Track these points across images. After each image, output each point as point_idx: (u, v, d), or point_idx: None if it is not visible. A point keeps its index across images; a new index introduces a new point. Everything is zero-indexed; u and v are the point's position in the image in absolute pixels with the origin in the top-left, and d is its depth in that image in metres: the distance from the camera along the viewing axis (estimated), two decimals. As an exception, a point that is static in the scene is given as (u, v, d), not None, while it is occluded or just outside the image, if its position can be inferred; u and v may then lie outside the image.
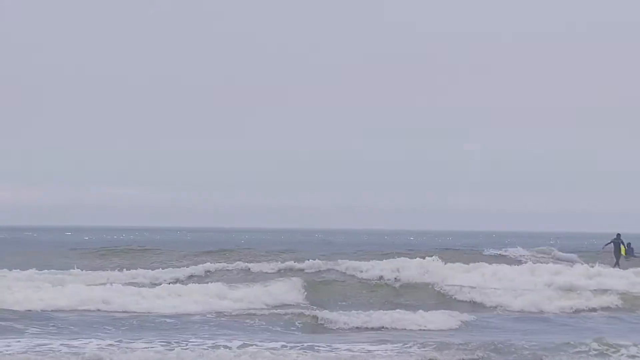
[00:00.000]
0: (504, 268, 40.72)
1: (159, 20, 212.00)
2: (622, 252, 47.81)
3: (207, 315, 28.26)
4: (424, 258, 40.33)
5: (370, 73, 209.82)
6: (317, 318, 26.98)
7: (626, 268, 47.21)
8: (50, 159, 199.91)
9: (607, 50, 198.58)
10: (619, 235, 48.11)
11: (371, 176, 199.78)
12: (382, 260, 40.63)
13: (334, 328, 26.27)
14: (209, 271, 38.82)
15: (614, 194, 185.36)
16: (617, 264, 47.95)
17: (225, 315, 28.25)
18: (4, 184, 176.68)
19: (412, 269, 38.44)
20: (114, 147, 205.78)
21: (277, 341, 22.62)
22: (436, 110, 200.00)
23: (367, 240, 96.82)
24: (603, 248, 48.91)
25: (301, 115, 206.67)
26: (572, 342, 22.27)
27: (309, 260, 40.33)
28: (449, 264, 40.18)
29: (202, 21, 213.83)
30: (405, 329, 26.24)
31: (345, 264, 39.71)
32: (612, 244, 48.23)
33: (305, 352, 21.21)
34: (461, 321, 27.50)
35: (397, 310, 28.87)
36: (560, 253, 50.34)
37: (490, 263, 42.11)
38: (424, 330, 26.20)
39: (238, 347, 21.39)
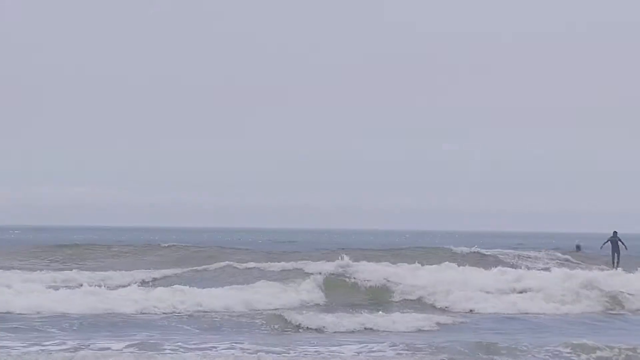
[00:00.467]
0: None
1: (159, 20, 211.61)
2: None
3: (172, 316, 27.78)
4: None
5: (370, 73, 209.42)
6: (287, 320, 26.32)
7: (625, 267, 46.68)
8: (50, 159, 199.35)
9: (607, 50, 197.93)
10: (615, 233, 47.31)
11: (371, 176, 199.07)
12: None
13: (304, 330, 25.64)
14: (177, 273, 38.28)
15: (614, 194, 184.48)
16: (615, 263, 47.16)
17: (191, 316, 27.77)
18: (4, 184, 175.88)
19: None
20: (114, 147, 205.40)
21: (241, 343, 22.13)
22: (436, 110, 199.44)
23: (341, 240, 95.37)
24: (602, 247, 48.03)
25: (301, 115, 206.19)
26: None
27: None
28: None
29: (202, 21, 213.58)
30: (379, 331, 25.70)
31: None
32: (609, 242, 47.42)
33: (269, 354, 20.67)
34: (436, 323, 26.96)
35: (364, 312, 28.42)
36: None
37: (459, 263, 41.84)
38: (396, 332, 25.52)
39: (169, 350, 20.94)
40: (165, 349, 20.89)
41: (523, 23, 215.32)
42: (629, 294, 34.62)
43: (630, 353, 21.00)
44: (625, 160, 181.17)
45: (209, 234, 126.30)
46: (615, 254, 47.25)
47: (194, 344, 21.77)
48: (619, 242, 47.13)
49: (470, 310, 31.78)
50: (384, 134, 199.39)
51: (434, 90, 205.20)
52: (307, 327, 25.67)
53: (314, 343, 22.44)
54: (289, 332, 25.25)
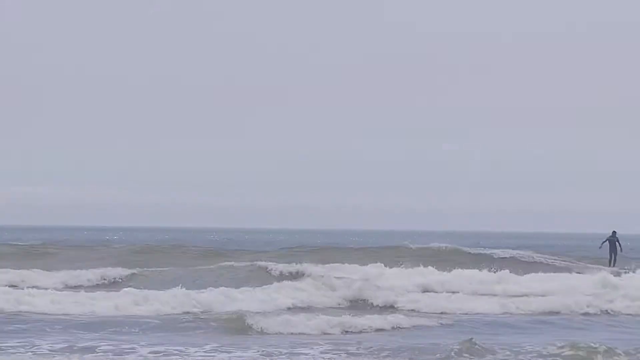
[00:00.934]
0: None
1: (159, 20, 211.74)
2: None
3: (131, 319, 27.29)
4: None
5: (370, 73, 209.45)
6: (244, 321, 25.80)
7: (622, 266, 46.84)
8: (50, 159, 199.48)
9: (607, 50, 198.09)
10: (614, 232, 47.40)
11: (371, 176, 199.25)
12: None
13: (259, 330, 25.29)
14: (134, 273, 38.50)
15: (614, 193, 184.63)
16: (612, 262, 47.33)
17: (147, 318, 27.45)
18: (4, 184, 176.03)
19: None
20: (114, 147, 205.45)
21: (190, 345, 22.07)
22: (436, 110, 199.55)
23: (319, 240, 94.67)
24: (600, 247, 48.14)
25: (301, 115, 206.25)
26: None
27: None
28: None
29: (202, 21, 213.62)
30: (345, 332, 25.55)
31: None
32: (607, 242, 47.55)
33: (212, 355, 20.80)
34: (393, 325, 26.62)
35: (318, 313, 28.11)
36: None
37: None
38: (353, 333, 25.40)
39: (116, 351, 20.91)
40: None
41: (523, 23, 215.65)
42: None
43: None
44: (625, 160, 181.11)
45: (198, 234, 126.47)
46: (613, 254, 47.40)
47: (148, 345, 21.74)
48: (617, 242, 47.29)
49: (442, 312, 31.48)
50: (384, 134, 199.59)
51: (434, 90, 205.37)
52: (266, 329, 25.22)
53: (274, 344, 22.34)
54: (250, 334, 24.79)
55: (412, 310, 31.45)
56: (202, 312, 28.71)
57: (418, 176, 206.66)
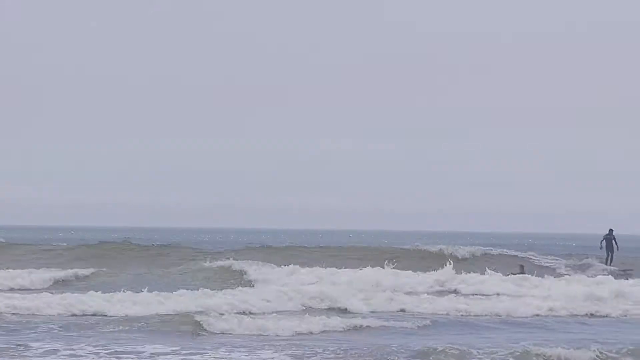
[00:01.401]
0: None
1: (159, 20, 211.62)
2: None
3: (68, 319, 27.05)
4: None
5: (370, 73, 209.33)
6: (201, 323, 25.30)
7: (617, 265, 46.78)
8: (50, 159, 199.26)
9: (606, 50, 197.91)
10: (611, 230, 47.28)
11: (371, 176, 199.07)
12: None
13: (218, 333, 24.89)
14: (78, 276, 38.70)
15: (614, 193, 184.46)
16: (608, 260, 47.28)
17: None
18: (4, 184, 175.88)
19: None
20: (113, 147, 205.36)
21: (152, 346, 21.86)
22: (436, 110, 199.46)
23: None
24: (601, 247, 47.88)
25: (301, 115, 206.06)
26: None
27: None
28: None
29: (202, 21, 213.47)
30: (290, 333, 25.06)
31: None
32: (604, 240, 47.42)
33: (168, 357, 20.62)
34: (347, 326, 26.08)
35: (273, 314, 27.92)
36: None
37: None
38: (304, 334, 25.01)
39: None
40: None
41: (523, 23, 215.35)
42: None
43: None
44: (625, 160, 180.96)
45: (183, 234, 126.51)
46: (609, 252, 47.31)
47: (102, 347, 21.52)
48: (613, 241, 47.17)
49: (402, 310, 31.20)
50: (384, 133, 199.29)
51: (434, 90, 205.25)
52: (214, 330, 24.85)
53: (224, 345, 22.16)
54: (202, 335, 24.39)
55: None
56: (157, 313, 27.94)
57: (418, 176, 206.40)
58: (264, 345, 22.51)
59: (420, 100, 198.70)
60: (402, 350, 21.45)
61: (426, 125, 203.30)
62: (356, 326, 26.25)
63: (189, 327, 24.99)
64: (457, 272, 39.74)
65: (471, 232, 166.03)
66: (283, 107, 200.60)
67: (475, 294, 36.09)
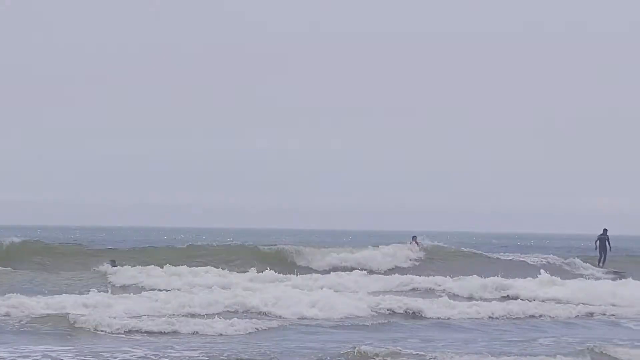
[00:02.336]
0: None
1: (159, 19, 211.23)
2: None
3: None
4: None
5: (371, 73, 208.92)
6: (71, 321, 24.48)
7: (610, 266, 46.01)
8: (49, 159, 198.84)
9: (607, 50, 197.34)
10: (605, 230, 46.45)
11: (371, 176, 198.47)
12: None
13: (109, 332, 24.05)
14: None
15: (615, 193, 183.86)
16: (601, 261, 46.46)
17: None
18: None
19: None
20: (112, 147, 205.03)
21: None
22: (436, 110, 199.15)
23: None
24: (596, 247, 47.00)
25: (301, 115, 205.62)
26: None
27: None
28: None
29: (202, 21, 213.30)
30: (197, 334, 24.30)
31: None
32: (598, 240, 46.59)
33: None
34: (257, 328, 25.20)
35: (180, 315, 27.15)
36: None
37: None
38: (215, 335, 24.27)
39: None
40: None
41: (524, 23, 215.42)
42: None
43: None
44: (626, 160, 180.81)
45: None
46: (603, 253, 46.48)
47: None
48: (607, 241, 46.30)
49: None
50: (384, 133, 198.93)
51: (434, 90, 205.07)
52: (91, 328, 24.10)
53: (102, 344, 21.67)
54: (75, 334, 23.58)
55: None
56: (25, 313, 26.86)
57: (418, 176, 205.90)
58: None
59: (420, 100, 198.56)
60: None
61: (425, 125, 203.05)
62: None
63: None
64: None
65: (471, 233, 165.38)
66: (283, 106, 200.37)
67: None
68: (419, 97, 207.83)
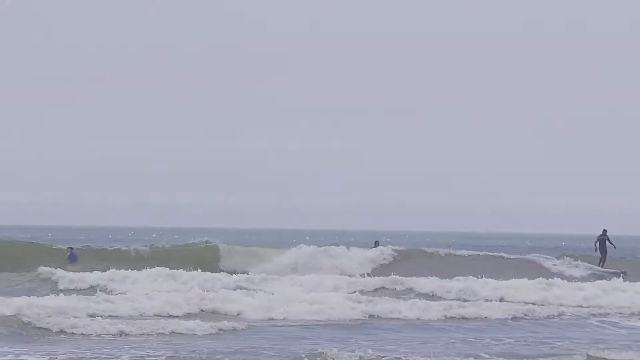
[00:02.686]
0: None
1: (159, 20, 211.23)
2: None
3: None
4: None
5: (371, 73, 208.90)
6: (24, 322, 23.95)
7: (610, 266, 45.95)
8: (49, 159, 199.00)
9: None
10: (605, 231, 46.31)
11: (371, 176, 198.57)
12: None
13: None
14: None
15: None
16: (601, 262, 46.38)
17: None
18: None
19: None
20: (112, 147, 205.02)
21: None
22: (435, 110, 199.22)
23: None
24: (596, 249, 46.89)
25: (301, 115, 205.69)
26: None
27: None
28: None
29: (201, 22, 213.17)
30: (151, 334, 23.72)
31: None
32: (598, 241, 46.49)
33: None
34: (219, 329, 24.64)
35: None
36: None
37: None
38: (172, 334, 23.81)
39: None
40: None
41: (523, 23, 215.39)
42: None
43: None
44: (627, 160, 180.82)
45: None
46: (603, 253, 46.36)
47: None
48: (607, 242, 46.19)
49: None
50: (384, 133, 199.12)
51: (434, 90, 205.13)
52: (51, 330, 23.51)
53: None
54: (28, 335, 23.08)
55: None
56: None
57: (418, 176, 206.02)
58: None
59: (420, 100, 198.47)
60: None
61: (424, 125, 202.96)
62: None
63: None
64: None
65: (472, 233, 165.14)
66: (283, 106, 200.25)
67: None
68: (419, 97, 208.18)
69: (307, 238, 70.78)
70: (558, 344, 22.93)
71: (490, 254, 49.12)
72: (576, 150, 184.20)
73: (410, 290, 35.40)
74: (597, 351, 20.90)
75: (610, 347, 22.01)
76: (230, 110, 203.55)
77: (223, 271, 38.91)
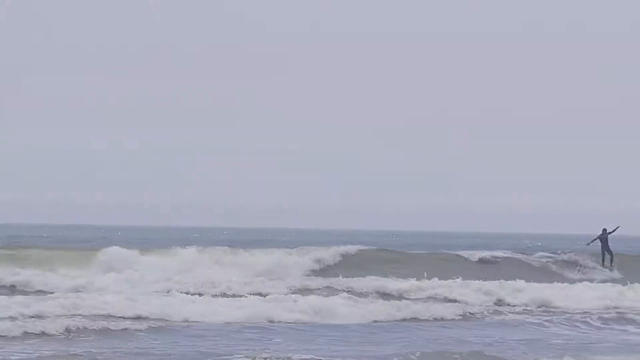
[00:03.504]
0: None
1: (159, 19, 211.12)
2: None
3: None
4: None
5: (371, 73, 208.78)
6: None
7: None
8: (47, 158, 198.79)
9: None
10: (604, 230, 46.10)
11: (371, 176, 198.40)
12: None
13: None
14: None
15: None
16: (604, 262, 46.23)
17: None
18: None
19: None
20: (112, 146, 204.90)
21: None
22: (434, 110, 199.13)
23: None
24: (589, 244, 46.80)
25: (301, 116, 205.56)
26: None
27: None
28: None
29: (201, 22, 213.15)
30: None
31: None
32: (598, 240, 46.28)
33: None
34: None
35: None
36: None
37: None
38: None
39: None
40: None
41: (523, 23, 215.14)
42: None
43: None
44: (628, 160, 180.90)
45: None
46: (605, 252, 46.17)
47: None
48: (608, 240, 46.00)
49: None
50: (385, 133, 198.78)
51: (434, 90, 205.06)
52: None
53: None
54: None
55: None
56: None
57: (418, 176, 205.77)
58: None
59: (420, 100, 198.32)
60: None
61: (423, 125, 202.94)
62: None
63: None
64: None
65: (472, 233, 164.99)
66: (283, 106, 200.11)
67: None
68: (419, 97, 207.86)
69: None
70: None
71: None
72: (576, 150, 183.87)
73: None
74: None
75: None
76: (231, 110, 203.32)
77: None
